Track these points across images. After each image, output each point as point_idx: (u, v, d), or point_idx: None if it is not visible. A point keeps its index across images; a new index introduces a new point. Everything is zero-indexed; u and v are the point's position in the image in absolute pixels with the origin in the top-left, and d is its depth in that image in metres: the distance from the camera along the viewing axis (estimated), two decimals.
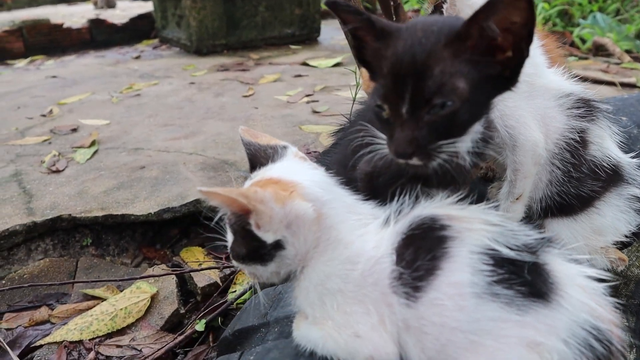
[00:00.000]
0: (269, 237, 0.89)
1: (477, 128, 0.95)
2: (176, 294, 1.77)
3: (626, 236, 1.32)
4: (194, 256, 1.99)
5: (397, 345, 0.86)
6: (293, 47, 4.96)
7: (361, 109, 1.23)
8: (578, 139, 1.23)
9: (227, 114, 3.04)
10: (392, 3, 1.93)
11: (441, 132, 0.89)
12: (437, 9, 1.28)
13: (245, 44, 4.84)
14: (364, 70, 1.20)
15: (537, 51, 1.27)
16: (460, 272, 0.82)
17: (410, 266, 0.84)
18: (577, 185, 1.25)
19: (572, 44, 4.48)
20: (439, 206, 0.91)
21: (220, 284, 1.85)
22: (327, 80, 3.68)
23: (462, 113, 0.87)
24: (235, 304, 1.73)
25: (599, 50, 4.09)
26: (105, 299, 1.80)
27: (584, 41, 4.42)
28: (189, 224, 2.21)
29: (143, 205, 2.03)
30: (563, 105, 1.25)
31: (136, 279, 1.70)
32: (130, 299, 1.75)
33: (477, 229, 0.86)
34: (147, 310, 1.72)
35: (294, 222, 0.89)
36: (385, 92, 0.90)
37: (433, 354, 0.82)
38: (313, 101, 3.21)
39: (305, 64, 4.22)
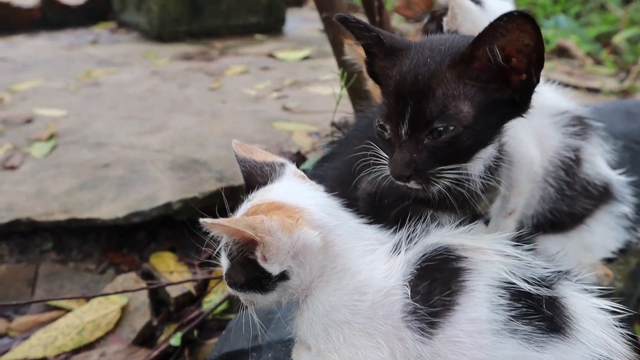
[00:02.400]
0: (274, 269, 0.83)
1: (489, 152, 0.92)
2: (148, 304, 1.68)
3: (613, 252, 1.34)
4: (164, 263, 1.89)
5: None
6: (258, 36, 4.83)
7: (361, 122, 1.17)
8: (573, 157, 1.22)
9: (193, 108, 2.91)
10: (376, 3, 1.87)
11: (442, 157, 0.85)
12: (435, 19, 1.24)
13: (209, 31, 4.67)
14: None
15: None
16: (479, 308, 0.78)
17: (426, 301, 0.80)
18: (570, 203, 1.24)
19: None
20: (452, 235, 0.87)
21: (195, 293, 1.77)
22: (295, 74, 3.60)
23: (465, 139, 0.84)
24: (212, 315, 1.66)
25: (562, 53, 4.18)
26: (69, 310, 1.69)
27: (547, 41, 4.51)
28: (157, 227, 2.10)
29: (110, 208, 1.91)
30: (558, 123, 1.24)
31: (106, 295, 1.59)
32: (99, 311, 1.64)
33: (494, 261, 0.82)
34: (117, 323, 1.63)
35: (300, 251, 0.84)
36: (388, 112, 0.87)
37: None
38: (283, 96, 3.13)
39: (272, 55, 4.12)
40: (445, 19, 1.14)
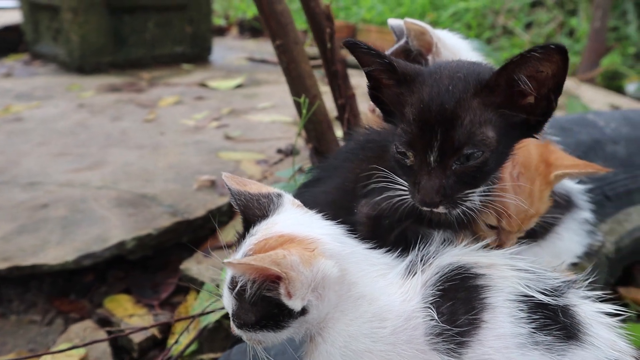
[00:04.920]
0: (297, 305, 0.80)
1: None
2: (110, 353, 1.56)
3: (578, 257, 1.42)
4: (121, 306, 1.77)
5: None
6: (185, 66, 4.73)
7: (350, 145, 1.17)
8: None
9: (131, 141, 2.79)
10: (327, 30, 1.90)
11: (468, 181, 0.87)
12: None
13: (134, 62, 4.51)
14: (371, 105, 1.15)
15: None
16: (504, 323, 0.80)
17: (453, 321, 0.80)
18: (544, 215, 1.31)
19: None
20: (464, 254, 0.88)
21: (159, 335, 1.66)
22: (231, 103, 3.55)
23: (490, 162, 0.87)
24: (181, 358, 1.56)
25: None
26: None
27: None
28: (105, 268, 1.97)
29: (57, 252, 1.76)
30: None
31: (66, 350, 1.44)
32: None
33: (509, 276, 0.84)
34: None
35: (320, 284, 0.81)
36: (411, 140, 0.87)
37: None
38: (223, 125, 3.07)
39: (203, 85, 4.04)
40: (429, 57, 1.21)
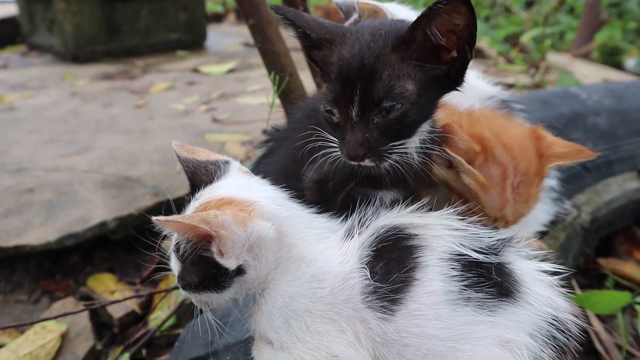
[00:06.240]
0: (231, 264, 0.82)
1: (425, 127, 0.96)
2: (90, 328, 1.60)
3: (545, 225, 1.42)
4: (103, 284, 1.81)
5: None
6: (180, 52, 4.75)
7: (297, 115, 1.18)
8: None
9: (120, 127, 2.82)
10: (300, 8, 1.89)
11: (391, 134, 0.89)
12: None
13: (129, 50, 4.54)
14: None
15: None
16: (435, 281, 0.81)
17: (386, 280, 0.82)
18: None
19: None
20: (400, 215, 0.90)
21: (139, 311, 1.70)
22: (222, 87, 3.58)
23: (411, 114, 0.89)
24: (159, 331, 1.60)
25: (477, 53, 4.41)
26: (1, 346, 1.57)
27: None
28: (91, 249, 2.01)
29: (39, 233, 1.80)
30: (489, 107, 1.31)
31: (41, 321, 1.49)
32: (36, 342, 1.54)
33: (443, 235, 0.86)
34: (58, 352, 1.53)
35: (255, 244, 0.83)
36: (335, 97, 0.89)
37: None
38: (212, 109, 3.09)
39: (196, 70, 4.07)
40: None
